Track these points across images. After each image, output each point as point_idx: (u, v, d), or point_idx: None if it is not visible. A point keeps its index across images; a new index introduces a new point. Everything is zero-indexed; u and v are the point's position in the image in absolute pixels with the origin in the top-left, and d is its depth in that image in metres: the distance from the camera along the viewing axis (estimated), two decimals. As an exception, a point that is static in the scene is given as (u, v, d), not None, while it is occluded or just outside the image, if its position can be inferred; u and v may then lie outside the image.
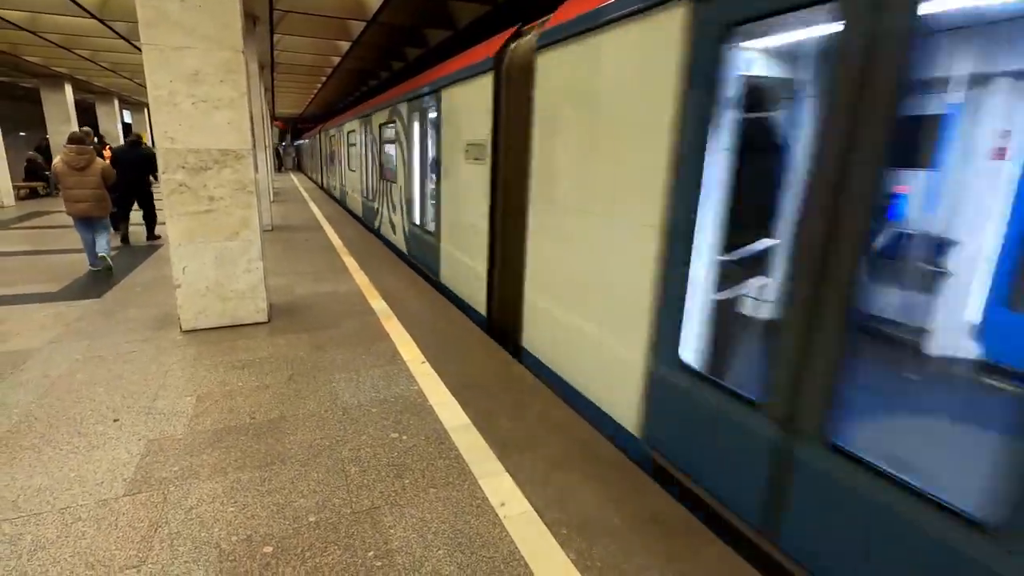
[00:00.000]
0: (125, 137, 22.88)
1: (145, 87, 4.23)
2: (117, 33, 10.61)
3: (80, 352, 4.14)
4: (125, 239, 9.00)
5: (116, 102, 22.12)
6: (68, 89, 16.99)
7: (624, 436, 3.08)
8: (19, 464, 2.69)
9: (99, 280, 6.40)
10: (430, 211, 7.17)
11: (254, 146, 4.76)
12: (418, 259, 7.76)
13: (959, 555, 1.61)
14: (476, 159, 5.17)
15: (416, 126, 7.42)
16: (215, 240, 4.58)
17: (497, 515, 2.42)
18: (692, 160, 2.48)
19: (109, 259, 6.88)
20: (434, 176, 6.70)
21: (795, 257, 2.04)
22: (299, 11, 9.41)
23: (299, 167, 42.63)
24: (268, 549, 2.18)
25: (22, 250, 8.27)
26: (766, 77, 3.01)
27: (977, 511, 1.59)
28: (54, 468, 2.67)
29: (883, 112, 1.72)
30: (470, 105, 5.35)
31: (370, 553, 2.17)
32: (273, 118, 29.49)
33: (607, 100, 3.15)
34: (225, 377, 3.78)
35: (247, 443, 2.95)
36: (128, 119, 25.74)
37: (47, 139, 17.00)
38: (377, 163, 10.14)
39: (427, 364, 4.08)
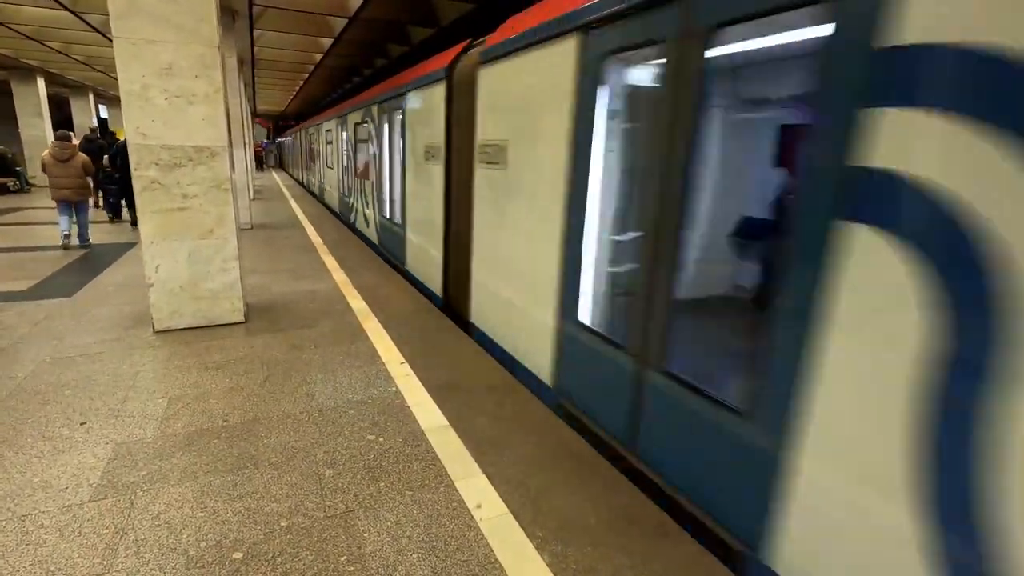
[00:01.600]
0: (102, 131, 22.30)
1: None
2: (90, 25, 10.35)
3: (48, 353, 4.02)
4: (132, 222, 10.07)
5: (91, 96, 21.59)
6: (40, 82, 16.54)
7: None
8: (-21, 470, 2.61)
9: (70, 278, 6.23)
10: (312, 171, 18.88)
11: (231, 143, 4.67)
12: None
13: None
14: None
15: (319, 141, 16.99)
16: (189, 238, 4.48)
17: (473, 517, 2.41)
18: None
19: (84, 237, 8.01)
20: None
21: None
22: (279, 6, 9.28)
23: (280, 165, 42.02)
24: (238, 555, 2.14)
25: (-11, 247, 8.02)
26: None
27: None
28: (16, 473, 2.59)
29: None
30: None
31: (343, 558, 2.14)
32: (254, 115, 29.00)
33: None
34: (198, 378, 3.71)
35: (219, 446, 2.89)
36: (104, 114, 25.15)
37: None
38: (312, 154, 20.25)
39: (406, 364, 4.04)
